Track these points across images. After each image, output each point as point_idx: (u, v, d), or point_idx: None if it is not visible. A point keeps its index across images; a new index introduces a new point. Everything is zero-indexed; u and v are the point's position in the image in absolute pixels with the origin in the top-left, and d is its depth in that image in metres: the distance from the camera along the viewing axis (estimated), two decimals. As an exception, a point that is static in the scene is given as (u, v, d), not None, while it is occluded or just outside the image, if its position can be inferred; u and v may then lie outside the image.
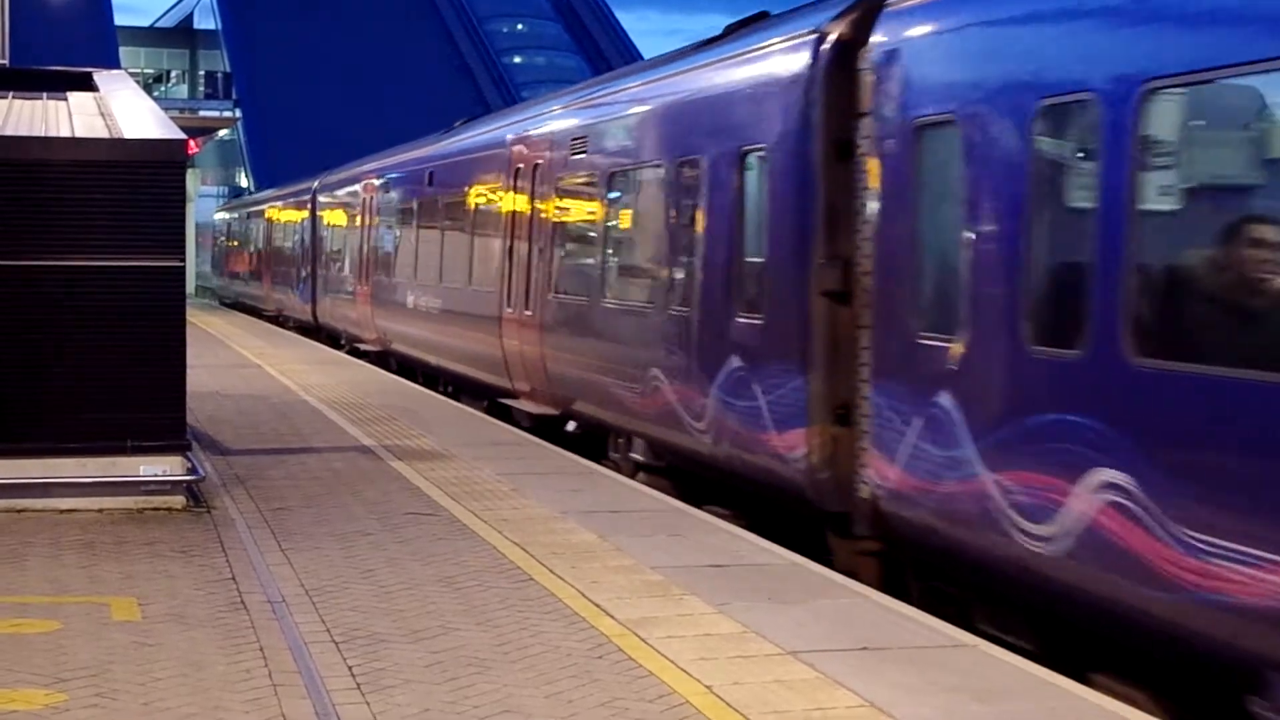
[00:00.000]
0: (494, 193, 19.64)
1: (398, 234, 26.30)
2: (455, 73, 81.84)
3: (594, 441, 15.39)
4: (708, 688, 7.09)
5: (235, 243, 54.73)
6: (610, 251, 15.31)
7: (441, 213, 22.95)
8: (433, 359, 23.09)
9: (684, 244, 13.01)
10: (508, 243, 18.50)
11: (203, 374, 20.52)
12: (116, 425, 11.55)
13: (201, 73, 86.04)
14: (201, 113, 68.92)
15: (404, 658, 7.55)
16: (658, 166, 13.66)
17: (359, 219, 29.83)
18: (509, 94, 74.35)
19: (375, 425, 16.88)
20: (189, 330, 12.31)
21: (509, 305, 18.16)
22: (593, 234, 15.78)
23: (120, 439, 11.53)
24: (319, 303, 34.77)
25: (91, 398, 11.58)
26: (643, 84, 14.92)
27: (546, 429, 16.55)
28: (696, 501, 12.39)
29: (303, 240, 37.35)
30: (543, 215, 17.36)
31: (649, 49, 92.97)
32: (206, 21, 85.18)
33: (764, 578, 9.46)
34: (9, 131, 13.05)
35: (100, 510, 11.37)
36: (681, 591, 9.02)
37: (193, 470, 11.94)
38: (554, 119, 17.64)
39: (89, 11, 63.13)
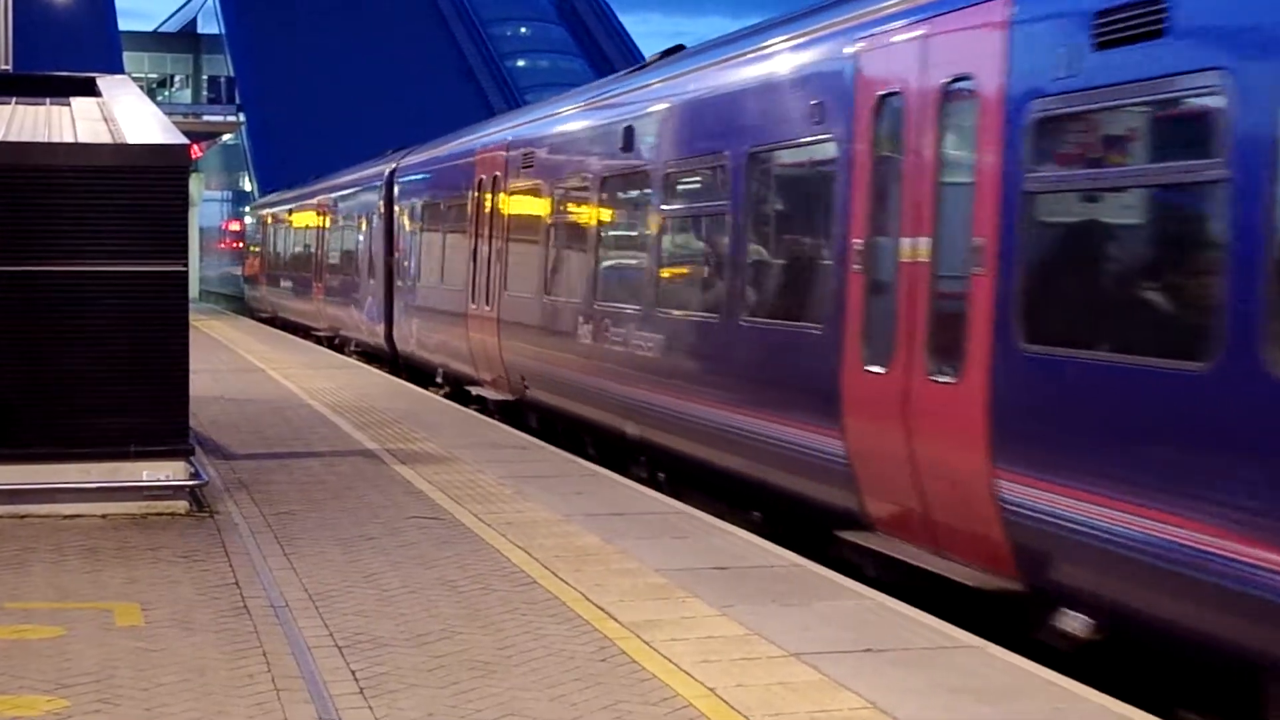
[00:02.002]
0: (809, 151, 11.15)
1: (553, 229, 17.35)
2: (459, 76, 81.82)
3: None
4: (711, 690, 7.08)
5: (275, 246, 45.70)
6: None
7: (657, 194, 13.89)
8: (630, 427, 14.35)
9: None
10: (852, 241, 10.18)
11: (206, 378, 20.54)
12: (119, 430, 11.56)
13: (205, 77, 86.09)
14: (205, 117, 68.98)
15: (407, 662, 7.54)
16: None
17: (471, 209, 21.04)
18: (513, 97, 74.33)
19: (378, 429, 16.88)
20: (192, 335, 12.31)
21: (873, 361, 9.81)
22: (1163, 221, 7.89)
23: (123, 444, 11.54)
24: (397, 324, 26.39)
25: (94, 403, 11.58)
26: None
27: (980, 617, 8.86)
28: None
29: (371, 241, 29.11)
30: (974, 188, 8.80)
31: (652, 51, 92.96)
32: (210, 26, 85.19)
33: (767, 580, 9.45)
34: (12, 137, 13.05)
35: (104, 515, 11.36)
36: (685, 594, 9.01)
37: (196, 475, 11.93)
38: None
39: (93, 17, 63.21)
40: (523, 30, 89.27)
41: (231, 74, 78.30)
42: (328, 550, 10.26)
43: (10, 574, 9.47)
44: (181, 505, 11.64)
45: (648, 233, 14.20)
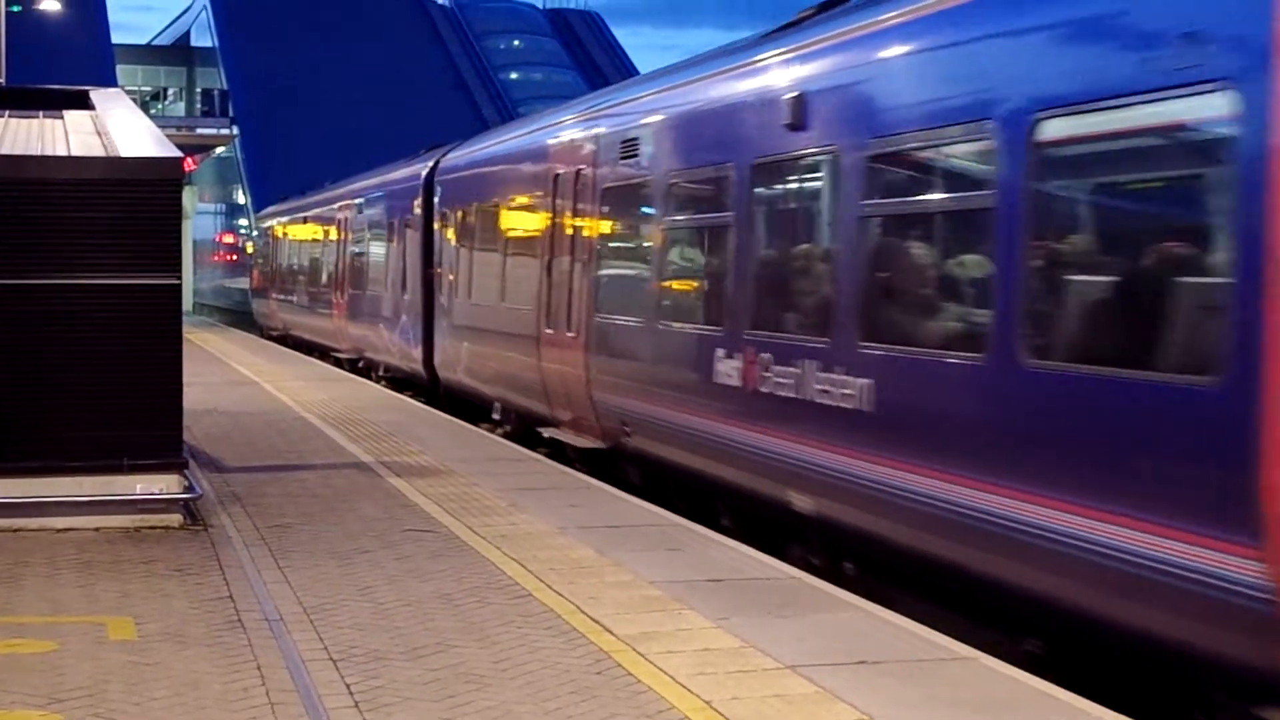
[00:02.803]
0: (1167, 110, 7.30)
1: (672, 237, 13.76)
2: (452, 89, 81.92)
3: None
4: (706, 703, 7.07)
5: (288, 258, 41.36)
6: None
7: (852, 185, 10.16)
8: (800, 500, 10.77)
9: None
10: (1275, 253, 6.51)
11: (200, 391, 20.50)
12: (113, 443, 11.54)
13: (199, 90, 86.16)
14: (199, 130, 69.01)
15: (402, 675, 7.52)
16: None
17: (545, 213, 17.39)
18: (506, 110, 74.46)
19: (373, 441, 16.86)
20: (185, 347, 12.29)
21: None
22: None
23: (117, 457, 11.52)
24: (439, 348, 22.90)
25: (88, 416, 11.56)
26: None
27: None
28: None
29: (405, 251, 25.49)
30: None
31: (644, 64, 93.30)
32: (204, 39, 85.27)
33: (762, 592, 9.44)
34: (5, 150, 13.06)
35: (97, 529, 11.34)
36: (680, 606, 9.00)
37: (189, 488, 11.91)
38: None
39: (86, 30, 63.32)
40: (516, 43, 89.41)
41: (225, 87, 78.41)
42: (322, 563, 10.24)
43: (3, 588, 9.45)
44: (175, 518, 11.61)
45: (837, 240, 10.47)
